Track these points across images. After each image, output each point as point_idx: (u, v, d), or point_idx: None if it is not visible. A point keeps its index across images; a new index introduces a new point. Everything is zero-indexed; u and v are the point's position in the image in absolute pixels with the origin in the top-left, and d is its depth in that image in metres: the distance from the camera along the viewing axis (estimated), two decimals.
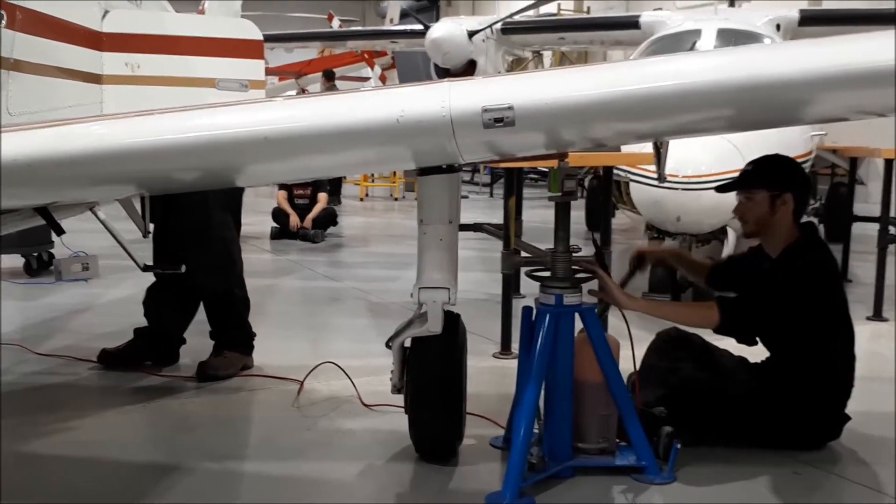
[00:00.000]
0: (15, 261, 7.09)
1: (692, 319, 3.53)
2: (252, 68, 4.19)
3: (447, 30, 9.88)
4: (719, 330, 3.37)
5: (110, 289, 6.66)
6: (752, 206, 3.50)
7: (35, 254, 7.09)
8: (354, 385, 4.13)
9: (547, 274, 3.23)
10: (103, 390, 4.21)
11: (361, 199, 15.53)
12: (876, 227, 6.14)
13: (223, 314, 4.48)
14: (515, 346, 3.93)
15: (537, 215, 10.31)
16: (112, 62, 3.92)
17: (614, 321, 3.50)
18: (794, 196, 3.45)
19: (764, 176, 3.50)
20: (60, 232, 3.40)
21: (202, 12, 6.25)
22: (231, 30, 4.33)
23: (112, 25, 3.92)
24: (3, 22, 3.02)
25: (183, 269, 4.25)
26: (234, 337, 4.48)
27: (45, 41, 3.37)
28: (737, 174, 3.68)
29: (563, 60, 18.36)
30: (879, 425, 3.76)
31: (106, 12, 3.94)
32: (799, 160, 6.59)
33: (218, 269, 4.39)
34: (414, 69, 15.21)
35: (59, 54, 3.51)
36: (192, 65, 4.06)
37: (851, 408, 3.48)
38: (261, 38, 4.27)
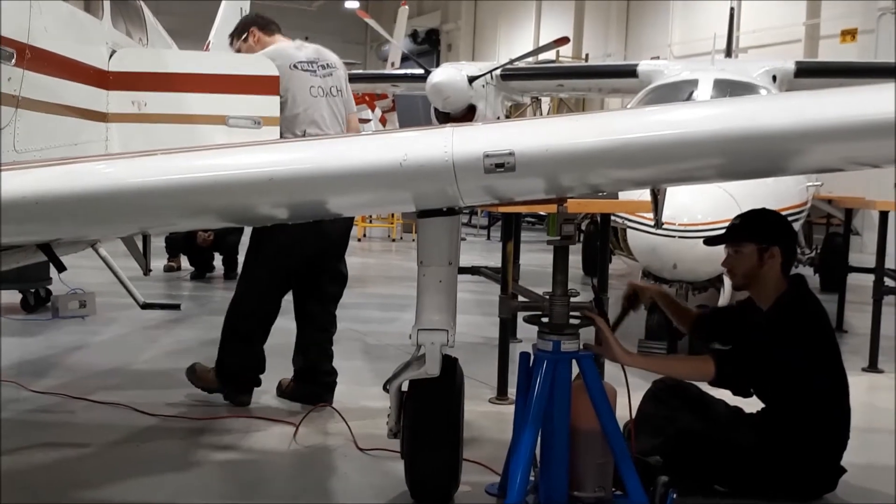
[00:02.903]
0: (12, 297, 7.08)
1: (689, 373, 3.55)
2: (266, 105, 4.14)
3: (448, 75, 9.98)
4: (715, 383, 3.39)
5: (107, 326, 6.65)
6: (740, 259, 3.55)
7: (32, 290, 7.08)
8: (350, 428, 4.11)
9: (545, 320, 3.23)
10: (97, 429, 4.17)
11: (359, 240, 15.56)
12: (871, 277, 6.16)
13: (225, 348, 4.54)
14: (512, 392, 3.92)
15: (535, 259, 10.34)
16: (118, 100, 3.96)
17: (611, 368, 3.50)
18: (781, 250, 3.51)
19: (752, 230, 3.56)
20: (62, 268, 3.41)
21: (207, 50, 6.31)
22: (244, 66, 4.32)
23: (119, 65, 3.97)
24: (13, 60, 3.07)
25: (179, 306, 4.26)
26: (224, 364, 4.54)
27: (53, 79, 3.42)
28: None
29: (561, 107, 18.55)
30: (875, 478, 3.74)
31: (113, 52, 3.99)
32: (795, 210, 6.65)
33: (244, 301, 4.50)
34: (414, 112, 15.36)
35: (66, 93, 3.56)
36: (200, 102, 4.06)
37: (847, 460, 3.47)
38: (276, 73, 4.23)
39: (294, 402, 4.62)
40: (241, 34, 4.77)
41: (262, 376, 4.64)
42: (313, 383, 4.68)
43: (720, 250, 3.70)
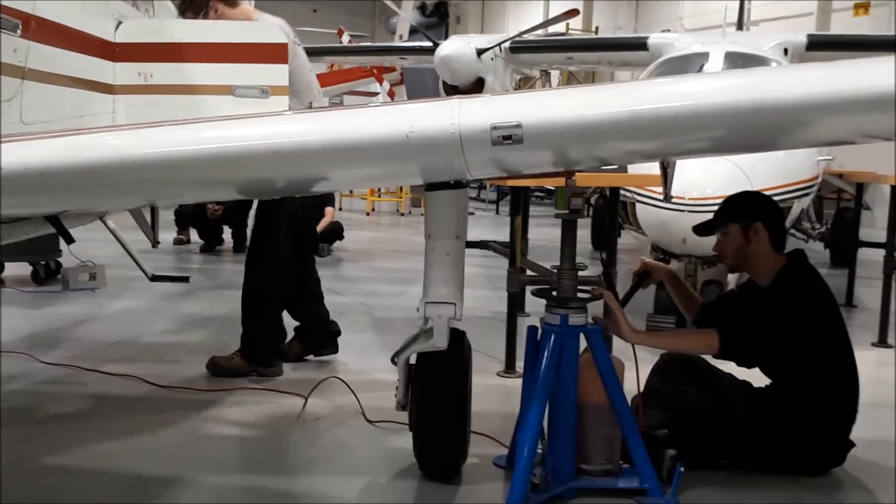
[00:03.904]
0: (22, 269, 7.12)
1: (694, 347, 3.56)
2: (274, 73, 4.06)
3: (456, 47, 9.91)
4: (720, 355, 3.39)
5: (117, 299, 6.68)
6: (727, 241, 3.58)
7: (43, 262, 7.12)
8: (359, 400, 4.13)
9: (554, 293, 3.23)
10: (108, 401, 4.21)
11: (368, 214, 15.57)
12: (882, 252, 6.13)
13: (253, 325, 4.62)
14: (520, 365, 3.93)
15: (543, 233, 10.33)
16: (124, 72, 3.94)
17: (619, 342, 3.50)
18: (764, 225, 3.51)
19: (733, 210, 3.60)
20: (70, 241, 3.41)
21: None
22: (250, 34, 4.25)
23: (125, 36, 3.95)
24: (19, 31, 3.05)
25: (188, 278, 4.30)
26: (250, 346, 4.61)
27: (59, 51, 3.41)
28: None
29: (570, 80, 18.46)
30: (883, 453, 3.74)
31: (119, 23, 3.97)
32: (805, 184, 6.61)
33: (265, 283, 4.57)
34: (422, 85, 15.28)
35: (73, 64, 3.54)
36: (206, 72, 4.01)
37: (855, 434, 3.47)
38: (284, 41, 4.16)
39: (303, 375, 4.64)
40: (198, 10, 4.58)
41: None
42: (315, 334, 4.84)
43: None
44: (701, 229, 3.73)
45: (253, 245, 4.75)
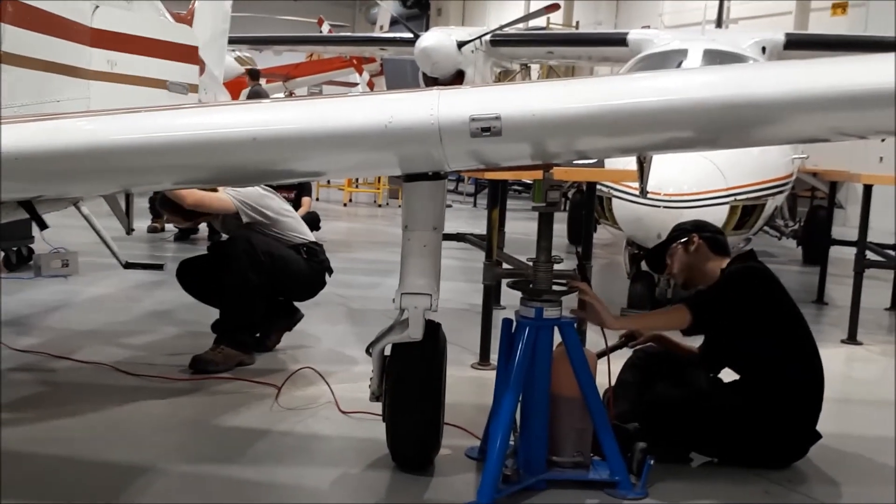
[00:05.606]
0: None
1: (668, 324, 3.66)
2: (190, 73, 4.32)
3: (437, 39, 9.92)
4: (694, 326, 3.45)
5: (89, 286, 6.62)
6: (674, 260, 3.77)
7: (14, 248, 7.04)
8: (332, 391, 4.13)
9: (529, 286, 3.24)
10: (79, 388, 4.17)
11: (345, 205, 15.53)
12: (853, 251, 6.21)
13: (234, 308, 4.52)
14: (494, 357, 3.94)
15: (520, 227, 10.35)
16: (97, 58, 3.92)
17: (592, 336, 3.52)
18: (699, 235, 3.70)
19: (671, 237, 3.83)
20: (43, 226, 3.38)
21: (191, 12, 6.27)
22: (174, 34, 4.44)
23: (100, 22, 3.93)
24: None
25: (163, 266, 4.27)
26: (234, 333, 4.53)
27: (35, 35, 3.37)
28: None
29: (550, 74, 18.47)
30: (850, 445, 3.80)
31: (96, 7, 3.93)
32: (780, 182, 6.68)
33: (249, 262, 4.44)
34: (402, 77, 15.27)
35: (49, 48, 3.50)
36: (152, 66, 4.19)
37: (822, 429, 3.52)
38: (197, 44, 4.42)
39: (277, 366, 4.63)
40: None
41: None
42: (277, 315, 4.87)
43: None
44: (653, 265, 3.97)
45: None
